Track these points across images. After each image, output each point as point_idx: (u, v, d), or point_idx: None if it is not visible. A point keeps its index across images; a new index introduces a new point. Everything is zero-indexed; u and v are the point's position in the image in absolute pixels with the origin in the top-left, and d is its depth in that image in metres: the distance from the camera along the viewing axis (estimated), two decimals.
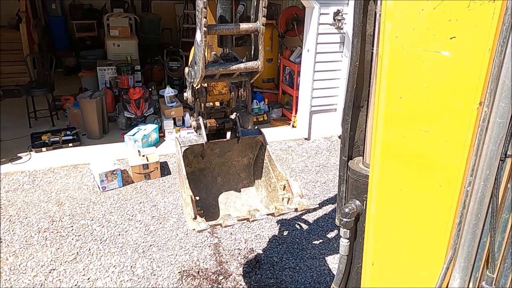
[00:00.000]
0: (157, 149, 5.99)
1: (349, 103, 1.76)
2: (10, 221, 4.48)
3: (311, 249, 4.23)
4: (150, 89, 7.38)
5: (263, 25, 1.93)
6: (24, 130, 6.57)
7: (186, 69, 2.13)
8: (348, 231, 1.80)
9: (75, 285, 3.67)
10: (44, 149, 5.98)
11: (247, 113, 6.80)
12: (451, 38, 1.18)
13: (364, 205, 1.71)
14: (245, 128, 2.47)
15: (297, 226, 4.59)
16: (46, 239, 4.22)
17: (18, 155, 5.81)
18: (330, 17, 6.14)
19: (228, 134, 2.44)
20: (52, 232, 4.33)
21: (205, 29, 1.79)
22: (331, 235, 4.46)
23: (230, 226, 2.20)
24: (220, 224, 2.07)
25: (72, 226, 4.43)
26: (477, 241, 1.34)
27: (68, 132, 6.37)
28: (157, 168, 5.43)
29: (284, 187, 2.32)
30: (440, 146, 1.29)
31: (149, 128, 6.34)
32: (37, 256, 3.98)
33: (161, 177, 5.47)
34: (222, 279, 3.79)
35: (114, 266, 3.89)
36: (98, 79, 7.75)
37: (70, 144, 6.15)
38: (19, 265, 3.86)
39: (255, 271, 3.91)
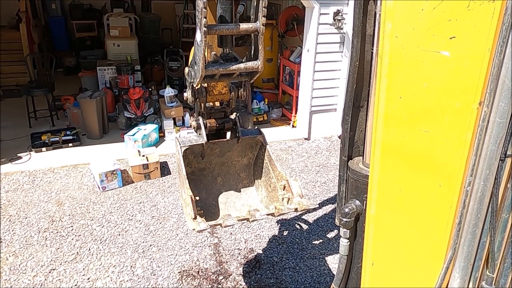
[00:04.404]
0: (157, 149, 5.99)
1: (349, 103, 1.76)
2: (10, 221, 4.48)
3: (311, 249, 4.23)
4: (150, 89, 7.38)
5: (263, 25, 1.93)
6: (24, 130, 6.57)
7: (186, 69, 2.13)
8: (348, 231, 1.80)
9: (75, 285, 3.67)
10: (44, 149, 5.98)
11: (247, 113, 6.80)
12: (451, 38, 1.18)
13: (364, 205, 1.71)
14: (245, 128, 2.47)
15: (297, 226, 4.59)
16: (46, 239, 4.22)
17: (18, 155, 5.81)
18: (330, 17, 6.14)
19: (228, 134, 2.44)
20: (52, 232, 4.33)
21: (205, 29, 1.79)
22: (331, 235, 4.46)
23: (230, 226, 2.20)
24: (220, 224, 2.07)
25: (72, 226, 4.43)
26: (477, 241, 1.34)
27: (68, 132, 6.37)
28: (157, 168, 5.43)
29: (284, 187, 2.32)
30: (440, 146, 1.29)
31: (149, 128, 6.34)
32: (37, 256, 3.98)
33: (161, 177, 5.47)
34: (222, 279, 3.79)
35: (114, 266, 3.89)
36: (98, 79, 7.75)
37: (70, 144, 6.15)
38: (19, 265, 3.86)
39: (255, 271, 3.91)
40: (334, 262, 4.03)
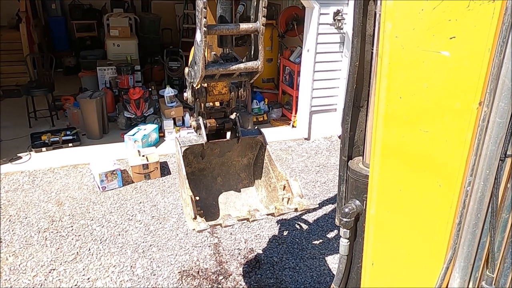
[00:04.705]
0: (157, 149, 5.99)
1: (349, 103, 1.76)
2: (10, 221, 4.48)
3: (311, 249, 4.23)
4: (150, 89, 7.38)
5: (263, 25, 1.93)
6: (24, 130, 6.57)
7: (186, 69, 2.13)
8: (348, 231, 1.80)
9: (75, 285, 3.67)
10: (44, 149, 5.98)
11: (247, 113, 6.80)
12: (451, 38, 1.18)
13: (364, 205, 1.71)
14: (245, 128, 2.47)
15: (297, 226, 4.59)
16: (46, 239, 4.22)
17: (18, 155, 5.81)
18: (330, 17, 6.14)
19: (228, 134, 2.44)
20: (52, 232, 4.33)
21: (205, 29, 1.79)
22: (331, 235, 4.46)
23: (230, 226, 2.20)
24: (220, 224, 2.07)
25: (72, 226, 4.43)
26: (477, 241, 1.34)
27: (68, 132, 6.37)
28: (157, 168, 5.43)
29: (284, 187, 2.32)
30: (440, 146, 1.29)
31: (149, 128, 6.34)
32: (37, 256, 3.98)
33: (161, 177, 5.47)
34: (222, 279, 3.79)
35: (114, 266, 3.89)
36: (98, 79, 7.75)
37: (70, 144, 6.15)
38: (19, 265, 3.86)
39: (255, 271, 3.91)
40: (334, 262, 4.03)
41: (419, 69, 1.28)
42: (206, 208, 2.42)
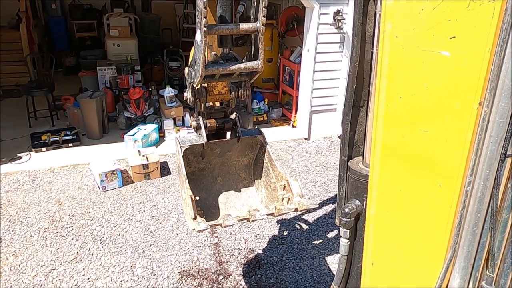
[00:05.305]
0: (157, 149, 5.99)
1: (349, 103, 1.76)
2: (10, 221, 4.48)
3: (311, 249, 4.23)
4: (150, 89, 7.38)
5: (263, 25, 1.93)
6: (24, 130, 6.57)
7: (186, 69, 2.13)
8: (348, 231, 1.80)
9: (75, 285, 3.67)
10: (44, 149, 5.98)
11: (247, 113, 6.80)
12: (451, 38, 1.18)
13: (364, 205, 1.71)
14: (245, 128, 2.48)
15: (297, 226, 4.59)
16: (46, 239, 4.22)
17: (18, 155, 5.81)
18: (330, 17, 6.14)
19: (228, 134, 2.44)
20: (52, 232, 4.33)
21: (205, 29, 1.79)
22: (331, 235, 4.46)
23: (230, 226, 2.20)
24: (220, 224, 2.07)
25: (72, 226, 4.43)
26: (477, 241, 1.34)
27: (68, 132, 6.37)
28: (157, 168, 5.43)
29: (284, 187, 2.32)
30: (440, 146, 1.29)
31: (149, 128, 6.34)
32: (37, 256, 3.98)
33: (161, 177, 5.47)
34: (222, 279, 3.79)
35: (114, 266, 3.89)
36: (98, 79, 7.75)
37: (70, 144, 6.15)
38: (19, 265, 3.86)
39: (255, 271, 3.91)
40: (334, 262, 4.03)
41: (419, 69, 1.28)
42: (206, 208, 2.42)
